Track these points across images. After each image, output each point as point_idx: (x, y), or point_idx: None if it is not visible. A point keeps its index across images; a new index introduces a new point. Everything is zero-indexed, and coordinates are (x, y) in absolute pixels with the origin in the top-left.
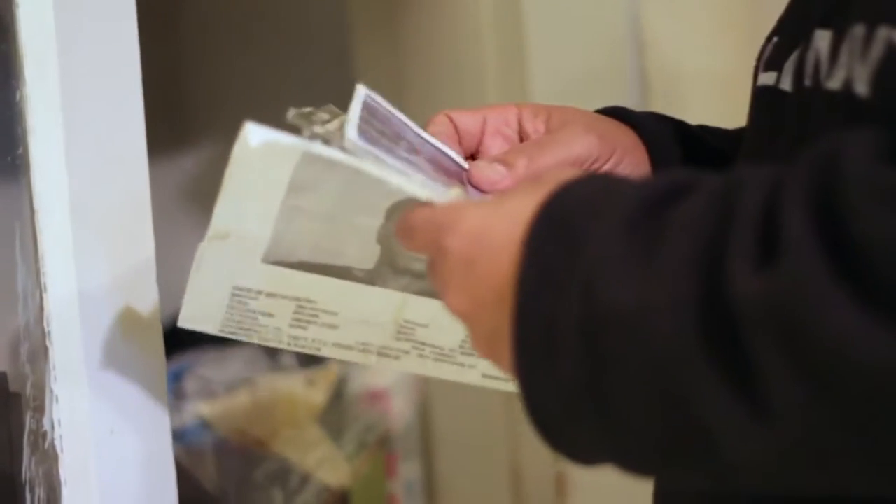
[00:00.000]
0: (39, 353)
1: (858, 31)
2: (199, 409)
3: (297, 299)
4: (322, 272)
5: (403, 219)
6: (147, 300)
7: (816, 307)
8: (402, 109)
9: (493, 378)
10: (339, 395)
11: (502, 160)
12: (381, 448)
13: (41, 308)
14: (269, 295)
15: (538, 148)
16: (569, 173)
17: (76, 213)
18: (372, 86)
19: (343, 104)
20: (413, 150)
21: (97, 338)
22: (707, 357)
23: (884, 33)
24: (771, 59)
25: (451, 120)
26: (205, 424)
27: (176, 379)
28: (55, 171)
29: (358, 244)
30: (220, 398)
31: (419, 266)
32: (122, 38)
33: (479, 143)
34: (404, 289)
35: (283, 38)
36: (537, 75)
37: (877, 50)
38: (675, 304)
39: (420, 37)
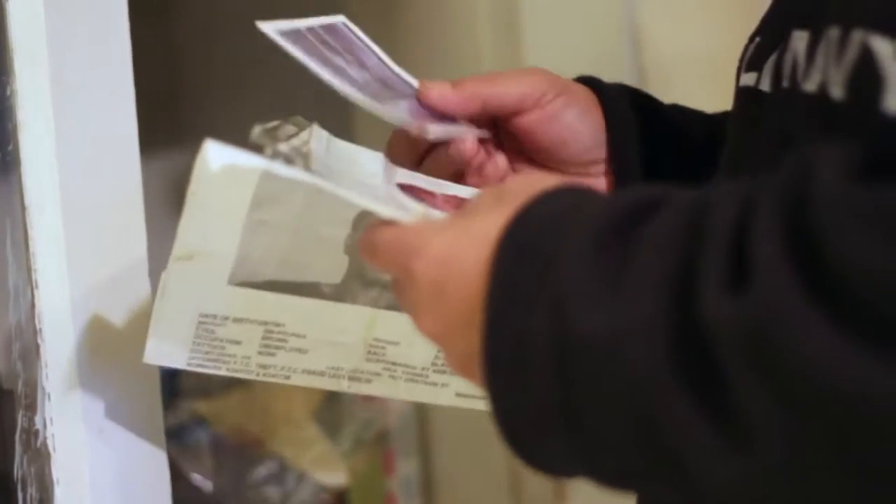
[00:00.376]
0: (31, 351)
1: (834, 33)
2: (195, 406)
3: (265, 323)
4: (290, 291)
5: (366, 237)
6: (139, 297)
7: (790, 330)
8: None
9: (468, 397)
10: (335, 392)
11: (451, 82)
12: (379, 445)
13: (33, 305)
14: (237, 320)
15: (488, 78)
16: (534, 184)
17: (67, 209)
18: None
19: (336, 98)
20: (362, 65)
21: (89, 335)
22: (679, 381)
23: (858, 36)
24: (752, 59)
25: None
26: (201, 422)
27: (172, 376)
28: (46, 167)
29: (325, 256)
30: (216, 396)
31: (388, 277)
32: (114, 32)
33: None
34: (374, 302)
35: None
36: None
37: (851, 53)
38: (646, 328)
39: (416, 35)
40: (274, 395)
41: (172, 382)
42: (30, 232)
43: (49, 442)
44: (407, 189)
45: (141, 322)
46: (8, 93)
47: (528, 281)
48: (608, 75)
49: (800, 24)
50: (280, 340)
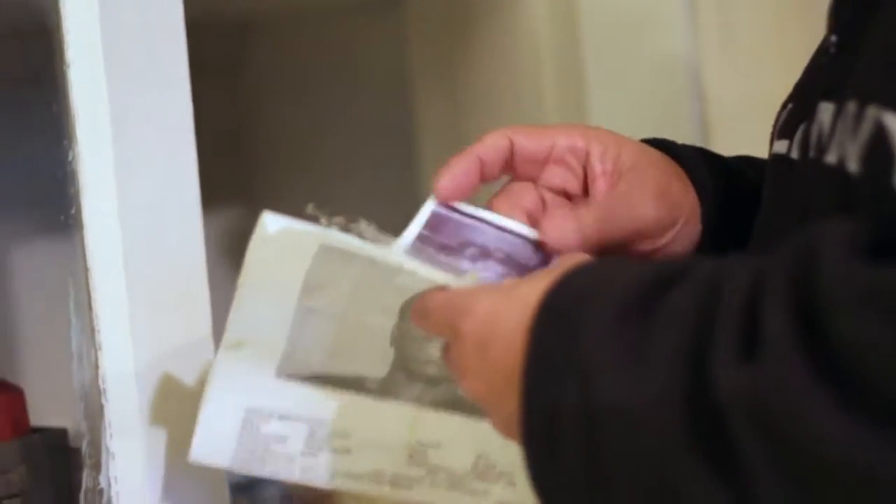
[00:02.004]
0: (96, 412)
1: (851, 107)
2: None
3: (310, 421)
4: (336, 385)
5: (420, 301)
6: (202, 357)
7: (796, 408)
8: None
9: None
10: None
11: (573, 218)
12: None
13: (97, 367)
14: (282, 417)
15: (609, 211)
16: (577, 259)
17: (130, 271)
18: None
19: (401, 152)
20: (484, 254)
21: (153, 396)
22: (694, 452)
23: (872, 112)
24: (784, 126)
25: (511, 143)
26: (271, 478)
27: None
28: (108, 230)
29: (371, 346)
30: None
31: (433, 370)
32: (175, 96)
33: (541, 171)
34: (418, 399)
35: (342, 86)
36: (596, 122)
37: (866, 128)
38: (663, 400)
39: (479, 82)
40: None
41: None
42: (93, 294)
43: (113, 501)
44: (516, 269)
45: (203, 381)
46: (70, 157)
47: (560, 349)
48: (671, 123)
49: (826, 96)
50: (323, 441)
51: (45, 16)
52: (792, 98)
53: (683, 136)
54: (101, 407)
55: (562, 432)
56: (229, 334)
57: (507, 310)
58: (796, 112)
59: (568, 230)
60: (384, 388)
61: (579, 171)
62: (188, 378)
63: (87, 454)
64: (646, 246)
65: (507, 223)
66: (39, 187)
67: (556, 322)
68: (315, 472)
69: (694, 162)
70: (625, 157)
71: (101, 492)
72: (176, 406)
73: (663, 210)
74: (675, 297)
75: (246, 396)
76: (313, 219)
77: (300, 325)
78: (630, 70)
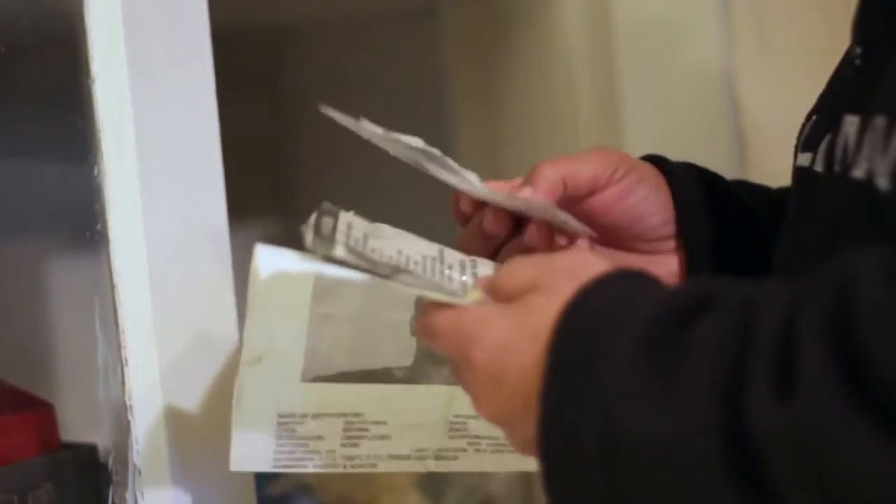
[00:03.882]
0: (122, 428)
1: (880, 122)
2: (300, 476)
3: (345, 415)
4: (363, 380)
5: (424, 320)
6: (228, 373)
7: (837, 445)
8: (498, 166)
9: None
10: None
11: (527, 177)
12: None
13: (123, 382)
14: (316, 416)
15: (558, 162)
16: (584, 265)
17: (155, 287)
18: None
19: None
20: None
21: (179, 411)
22: (729, 488)
23: None
24: (808, 139)
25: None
26: (306, 491)
27: None
28: (134, 246)
29: (392, 340)
30: None
31: None
32: (200, 109)
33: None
34: (447, 380)
35: (379, 95)
36: (631, 135)
37: None
38: (696, 436)
39: (514, 91)
40: None
41: None
42: (119, 310)
43: None
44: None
45: (230, 396)
46: (96, 173)
47: (580, 378)
48: (707, 141)
49: (851, 109)
50: (361, 430)
51: (70, 30)
52: (815, 110)
53: (718, 146)
54: (128, 423)
55: (581, 460)
56: (247, 351)
57: (520, 339)
58: (820, 124)
59: (527, 189)
60: (412, 375)
61: None
62: (214, 393)
63: (113, 470)
64: (609, 189)
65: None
66: (65, 203)
67: (574, 348)
68: (358, 460)
69: (665, 160)
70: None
71: None
72: (202, 421)
73: (610, 155)
74: (704, 328)
75: (276, 405)
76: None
77: (317, 331)
78: (665, 81)
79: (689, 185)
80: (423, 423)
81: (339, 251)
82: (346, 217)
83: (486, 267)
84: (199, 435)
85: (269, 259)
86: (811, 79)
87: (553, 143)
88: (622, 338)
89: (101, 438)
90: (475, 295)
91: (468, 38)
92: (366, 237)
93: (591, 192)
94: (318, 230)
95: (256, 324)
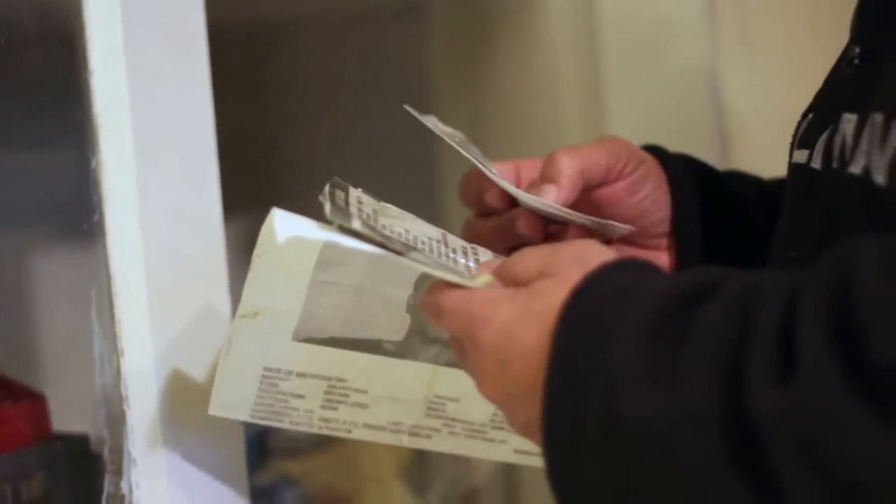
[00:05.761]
0: (117, 417)
1: (878, 119)
2: (284, 466)
3: (328, 378)
4: (352, 347)
5: (431, 298)
6: None
7: (836, 427)
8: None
9: (526, 454)
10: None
11: (545, 170)
12: (467, 503)
13: (118, 373)
14: (300, 375)
15: (573, 152)
16: (590, 254)
17: (152, 278)
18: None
19: (422, 157)
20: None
21: (174, 402)
22: (729, 470)
23: None
24: (804, 136)
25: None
26: (291, 482)
27: (261, 436)
28: (130, 236)
29: (388, 314)
30: (305, 455)
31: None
32: (196, 103)
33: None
34: (434, 360)
35: (364, 92)
36: (616, 133)
37: (893, 140)
38: (696, 418)
39: (499, 89)
40: (362, 453)
41: (262, 442)
42: (115, 301)
43: None
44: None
45: None
46: (93, 165)
47: (585, 362)
48: (691, 137)
49: (849, 107)
50: (342, 395)
51: (68, 24)
52: (812, 108)
53: (702, 143)
54: (123, 413)
55: (584, 443)
56: (245, 305)
57: (527, 322)
58: (817, 122)
59: (552, 189)
60: (401, 351)
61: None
62: (209, 383)
63: (108, 460)
64: (620, 183)
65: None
66: (62, 195)
67: (579, 333)
68: (334, 424)
69: (666, 154)
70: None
71: (122, 497)
72: (197, 412)
73: (622, 145)
74: (707, 313)
75: (263, 358)
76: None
77: (315, 296)
78: (649, 78)
79: (687, 185)
80: (404, 398)
81: (356, 223)
82: (355, 192)
83: (484, 255)
84: (194, 424)
85: (286, 223)
86: (795, 77)
87: (538, 140)
88: (626, 323)
89: (95, 429)
90: (485, 278)
91: (454, 35)
92: (375, 213)
93: (602, 184)
94: (333, 201)
95: (258, 281)
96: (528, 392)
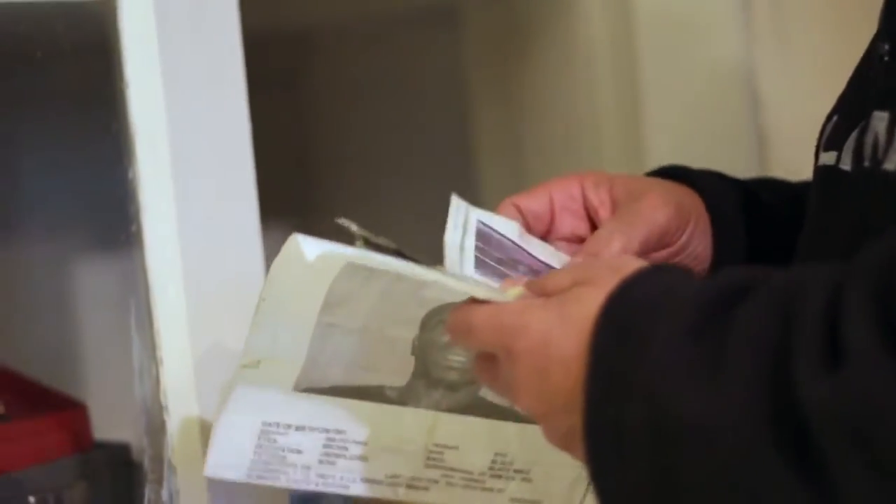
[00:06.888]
0: (157, 427)
1: None
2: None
3: (327, 431)
4: (354, 395)
5: (460, 315)
6: None
7: (887, 412)
8: (518, 169)
9: (523, 501)
10: None
11: (600, 236)
12: None
13: (158, 382)
14: (299, 428)
15: (628, 225)
16: (626, 262)
17: (190, 288)
18: (489, 147)
19: (459, 162)
20: (532, 273)
21: (213, 409)
22: (782, 462)
23: None
24: (831, 138)
25: (519, 208)
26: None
27: None
28: (169, 247)
29: (392, 358)
30: None
31: (454, 377)
32: (232, 112)
33: (551, 223)
34: (436, 405)
35: (400, 98)
36: (653, 134)
37: None
38: (744, 416)
39: (535, 93)
40: None
41: None
42: (154, 311)
43: None
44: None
45: None
46: (130, 176)
47: (625, 366)
48: (728, 136)
49: (879, 105)
50: (341, 448)
51: (104, 36)
52: (837, 109)
53: (739, 142)
54: (163, 422)
55: (630, 446)
56: (248, 354)
57: (564, 331)
58: (843, 123)
59: (613, 245)
60: (403, 397)
61: (582, 212)
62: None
63: (149, 468)
64: (667, 250)
65: (538, 247)
66: (100, 206)
67: (618, 338)
68: (331, 480)
69: (700, 176)
70: (618, 186)
71: None
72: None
73: (671, 210)
74: (747, 310)
75: (262, 411)
76: (344, 232)
77: (320, 342)
78: (686, 77)
79: (732, 235)
80: (403, 448)
81: (382, 239)
82: (361, 232)
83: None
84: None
85: (310, 244)
86: (831, 75)
87: (575, 144)
88: (665, 323)
89: (136, 438)
90: (516, 290)
91: (489, 39)
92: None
93: (657, 249)
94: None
95: (263, 327)
96: (569, 401)
